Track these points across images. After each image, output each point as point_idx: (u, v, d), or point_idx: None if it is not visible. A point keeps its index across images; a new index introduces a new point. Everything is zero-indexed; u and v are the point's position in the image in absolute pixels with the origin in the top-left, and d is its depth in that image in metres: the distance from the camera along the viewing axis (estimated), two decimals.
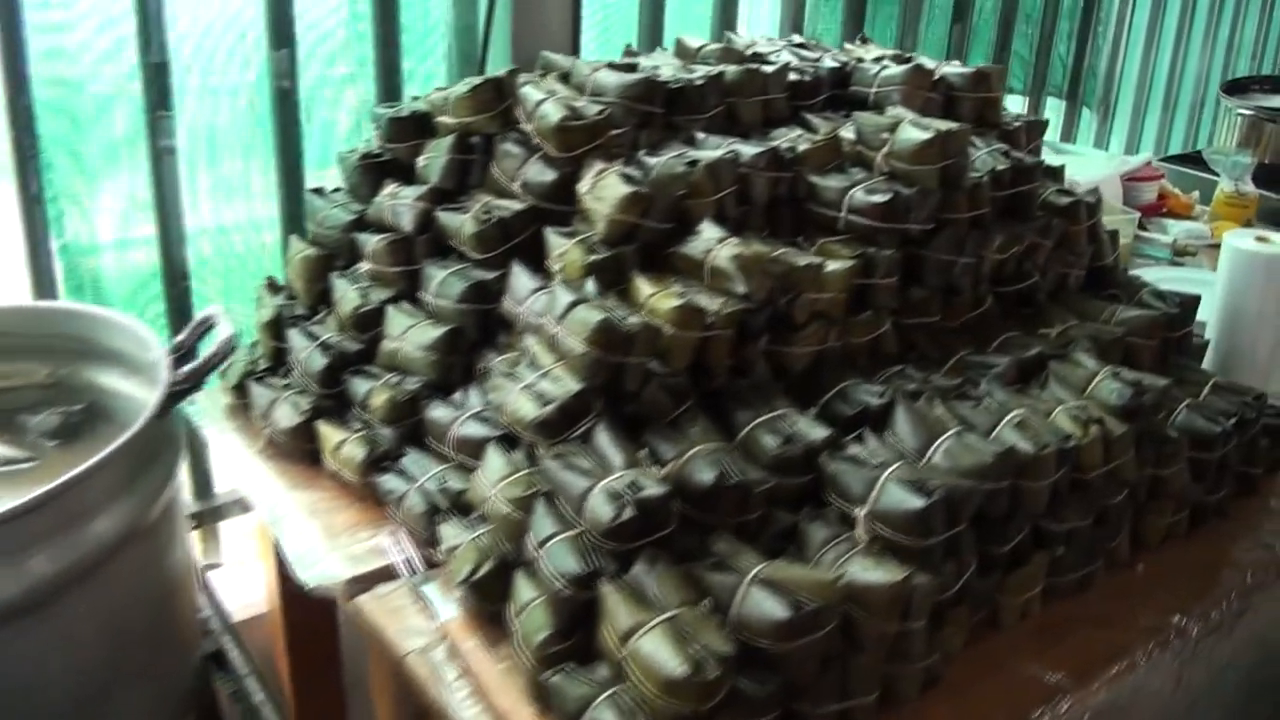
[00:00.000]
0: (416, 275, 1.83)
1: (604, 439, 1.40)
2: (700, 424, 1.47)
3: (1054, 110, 3.79)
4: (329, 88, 2.40)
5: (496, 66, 2.35)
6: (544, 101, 1.74)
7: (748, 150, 1.74)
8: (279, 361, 1.97)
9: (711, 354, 1.53)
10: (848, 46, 2.26)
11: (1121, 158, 3.15)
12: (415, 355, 1.74)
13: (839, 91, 2.05)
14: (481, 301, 1.73)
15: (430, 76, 2.55)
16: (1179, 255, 2.99)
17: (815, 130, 1.92)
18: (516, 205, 1.75)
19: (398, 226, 1.87)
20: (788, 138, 1.85)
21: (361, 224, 1.94)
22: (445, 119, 1.87)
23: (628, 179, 1.63)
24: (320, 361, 1.83)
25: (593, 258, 1.58)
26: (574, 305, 1.50)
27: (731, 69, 1.92)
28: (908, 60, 2.11)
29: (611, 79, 1.82)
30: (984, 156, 1.88)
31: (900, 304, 1.75)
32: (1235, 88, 3.66)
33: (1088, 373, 1.64)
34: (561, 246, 1.66)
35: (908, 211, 1.70)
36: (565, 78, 1.91)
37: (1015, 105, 3.64)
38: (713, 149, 1.77)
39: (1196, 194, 3.34)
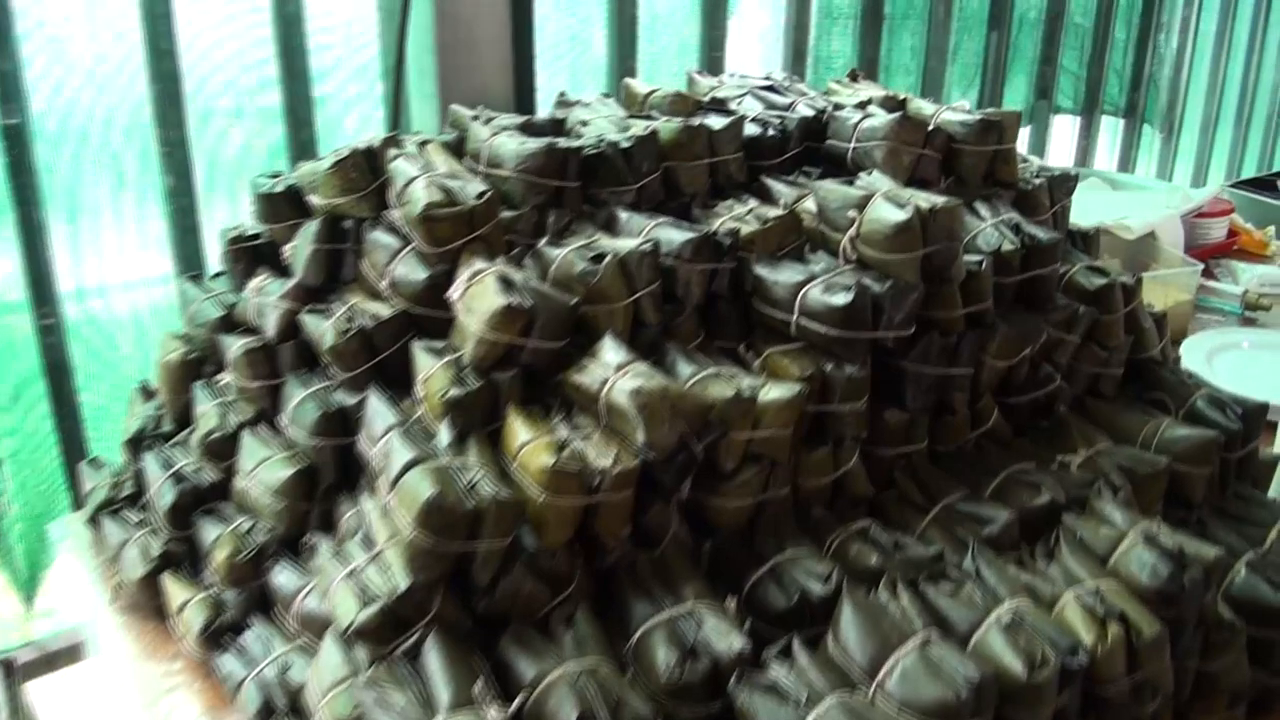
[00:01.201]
0: (280, 392, 1.48)
1: (434, 661, 1.04)
2: (580, 626, 1.10)
3: (1110, 129, 3.35)
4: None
5: (422, 117, 2.00)
6: (414, 180, 1.38)
7: (675, 236, 1.36)
8: (142, 489, 1.63)
9: (602, 523, 1.17)
10: (832, 86, 1.87)
11: (1185, 192, 2.71)
12: (264, 500, 1.39)
13: (814, 145, 1.66)
14: (342, 434, 1.38)
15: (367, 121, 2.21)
16: (1251, 309, 2.54)
17: (775, 200, 1.54)
18: (384, 311, 1.39)
19: (262, 329, 1.52)
20: (735, 214, 1.47)
21: (231, 322, 1.60)
22: (315, 198, 1.52)
23: (505, 285, 1.26)
24: (169, 496, 1.49)
25: (452, 393, 1.22)
26: (410, 466, 1.14)
27: (668, 125, 1.54)
28: (900, 104, 1.71)
29: (510, 146, 1.45)
30: (988, 232, 1.48)
31: (874, 431, 1.37)
32: None
33: (1113, 533, 1.24)
34: (429, 367, 1.30)
35: (877, 315, 1.31)
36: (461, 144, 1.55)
37: (1065, 127, 3.21)
38: (635, 232, 1.40)
39: (1273, 230, 2.88)
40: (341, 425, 1.37)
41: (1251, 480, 1.51)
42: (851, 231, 1.37)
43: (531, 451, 1.16)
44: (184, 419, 1.63)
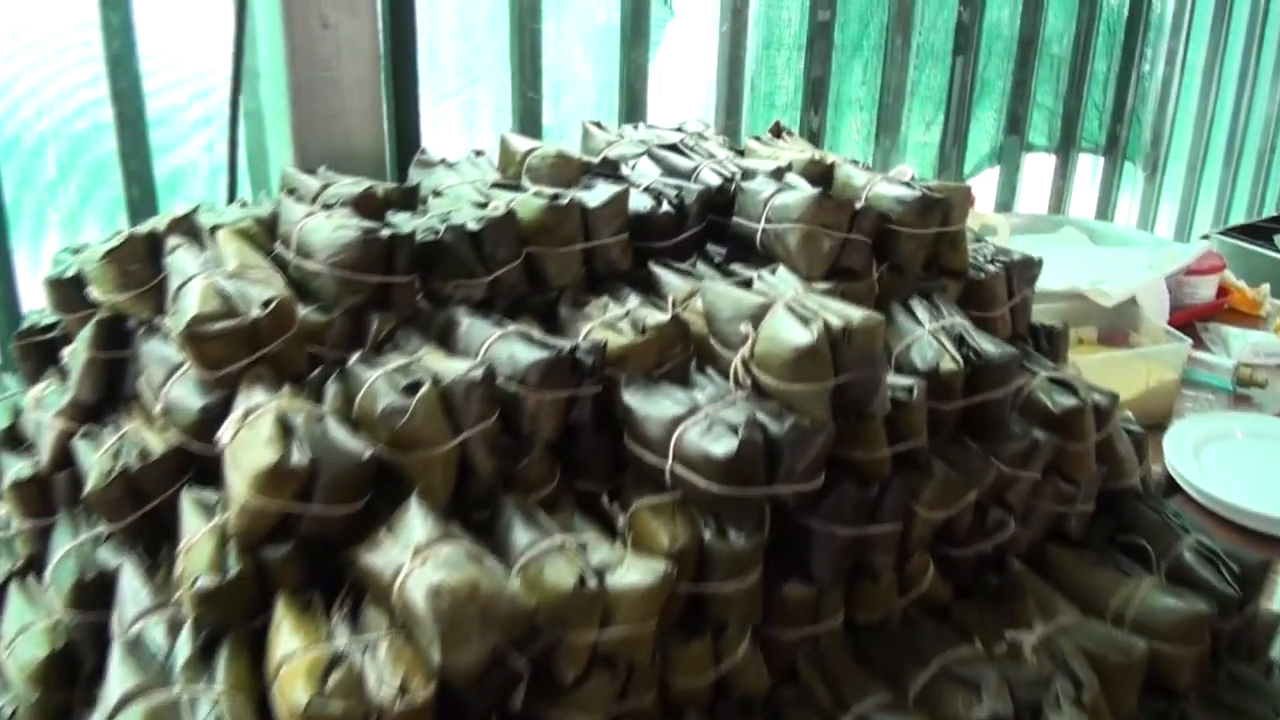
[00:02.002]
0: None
1: None
2: None
3: (1089, 168, 3.06)
4: None
5: (273, 178, 1.69)
6: (190, 282, 1.07)
7: (521, 355, 1.06)
8: None
9: None
10: (750, 144, 1.57)
11: (1171, 249, 2.42)
12: (18, 683, 1.08)
13: (720, 220, 1.36)
14: (105, 605, 1.07)
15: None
16: (1244, 386, 2.24)
17: (665, 294, 1.24)
18: (156, 445, 1.09)
19: (38, 452, 1.22)
20: (609, 317, 1.17)
21: (16, 436, 1.29)
22: (94, 291, 1.22)
23: (283, 430, 0.96)
24: None
25: (201, 583, 0.92)
26: (125, 703, 0.83)
27: (530, 203, 1.23)
28: (826, 170, 1.41)
29: (323, 232, 1.15)
30: (924, 343, 1.18)
31: (771, 607, 1.07)
32: None
33: None
34: (194, 532, 0.99)
35: (774, 463, 1.01)
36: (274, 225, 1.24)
37: (1040, 166, 2.92)
38: (474, 346, 1.10)
39: (1267, 288, 2.59)
40: (104, 594, 1.07)
41: (1249, 651, 1.22)
42: (745, 351, 1.07)
43: (291, 675, 0.86)
44: None
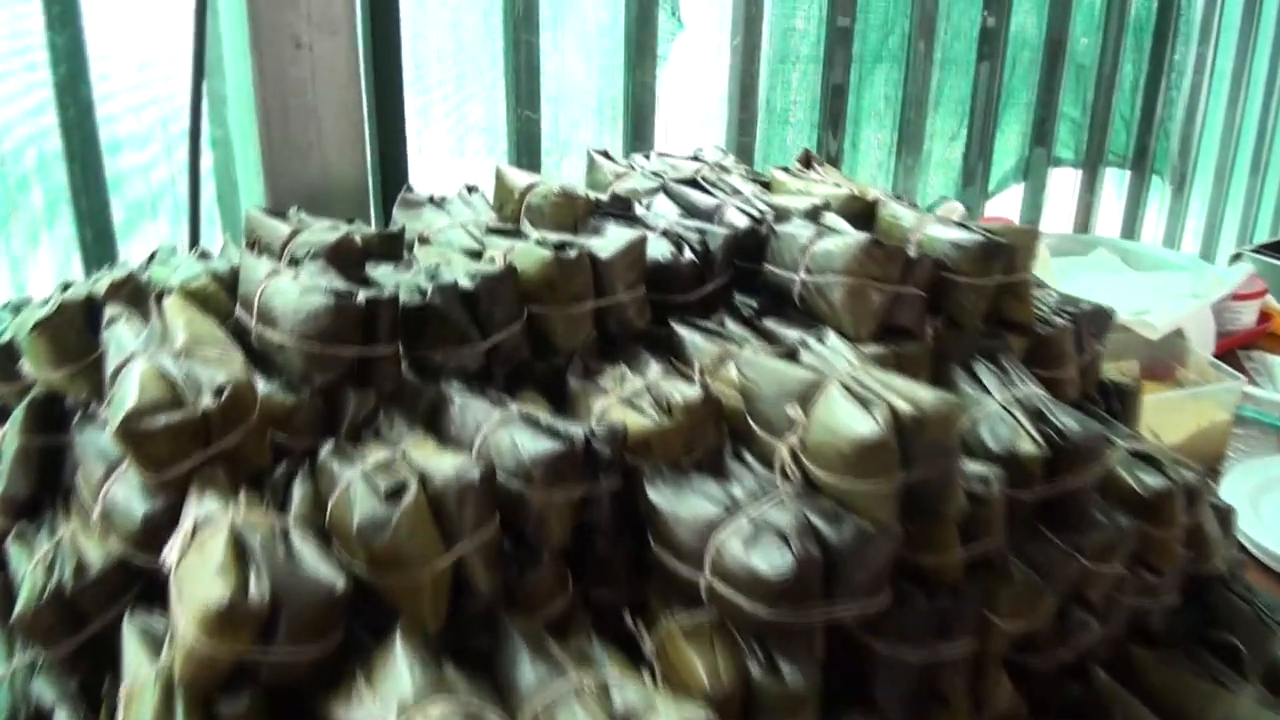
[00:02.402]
0: None
1: None
2: None
3: (1115, 183, 2.89)
4: None
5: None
6: (129, 364, 0.90)
7: (527, 445, 0.89)
8: None
9: None
10: (777, 176, 1.39)
11: (1213, 272, 2.25)
12: None
13: (750, 266, 1.19)
14: None
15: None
16: None
17: (689, 359, 1.07)
18: (95, 559, 0.91)
19: None
20: (627, 390, 0.99)
21: None
22: (26, 365, 1.04)
23: (239, 553, 0.78)
24: None
25: None
26: None
27: (533, 254, 1.06)
28: (867, 208, 1.24)
29: (290, 296, 0.97)
30: (996, 418, 1.01)
31: None
32: None
33: None
34: (138, 673, 0.82)
35: (830, 579, 0.84)
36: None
37: (1065, 181, 2.75)
38: (468, 434, 0.93)
39: None
40: None
41: None
42: (793, 439, 0.90)
43: None
44: None
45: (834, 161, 2.22)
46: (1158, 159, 2.92)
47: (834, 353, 0.96)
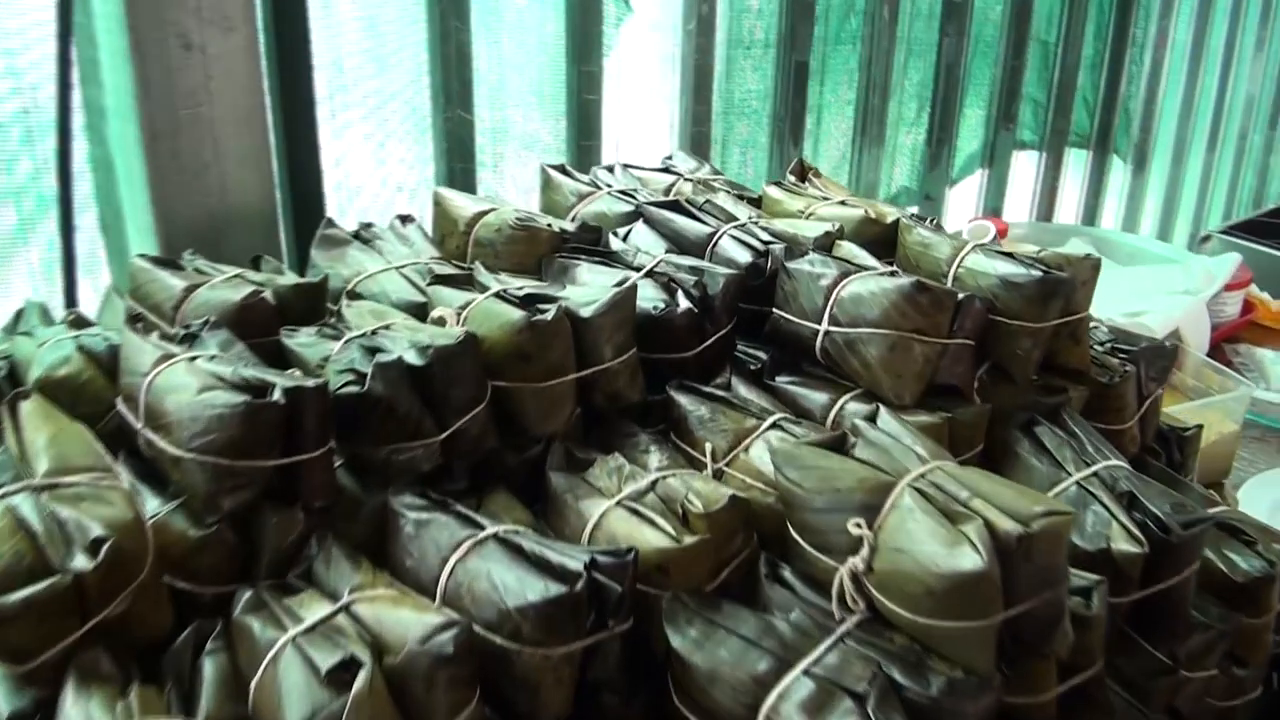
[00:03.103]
0: None
1: None
2: None
3: (1078, 165, 2.73)
4: None
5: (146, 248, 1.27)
6: None
7: (510, 584, 0.67)
8: None
9: None
10: (770, 193, 1.18)
11: (1201, 263, 2.10)
12: None
13: (752, 308, 0.98)
14: None
15: None
16: None
17: (696, 439, 0.85)
18: None
19: None
20: (624, 495, 0.78)
21: None
22: None
23: None
24: None
25: None
26: None
27: (497, 318, 0.84)
28: (886, 230, 1.04)
29: (184, 395, 0.74)
30: (1081, 506, 0.82)
31: None
32: None
33: None
34: None
35: None
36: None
37: (1029, 163, 2.59)
38: (431, 569, 0.71)
39: None
40: None
41: None
42: (857, 561, 0.69)
43: None
44: None
45: (794, 143, 2.01)
46: (1118, 138, 2.77)
47: (893, 439, 0.75)
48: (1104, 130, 2.71)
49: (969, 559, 0.64)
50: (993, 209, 2.51)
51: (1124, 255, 2.27)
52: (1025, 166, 2.64)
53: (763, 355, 0.97)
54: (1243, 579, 0.89)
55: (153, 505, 0.74)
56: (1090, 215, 2.80)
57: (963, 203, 2.49)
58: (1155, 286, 2.01)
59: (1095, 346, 1.03)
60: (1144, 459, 1.03)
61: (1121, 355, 1.03)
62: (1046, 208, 2.64)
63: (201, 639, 0.67)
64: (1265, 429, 1.90)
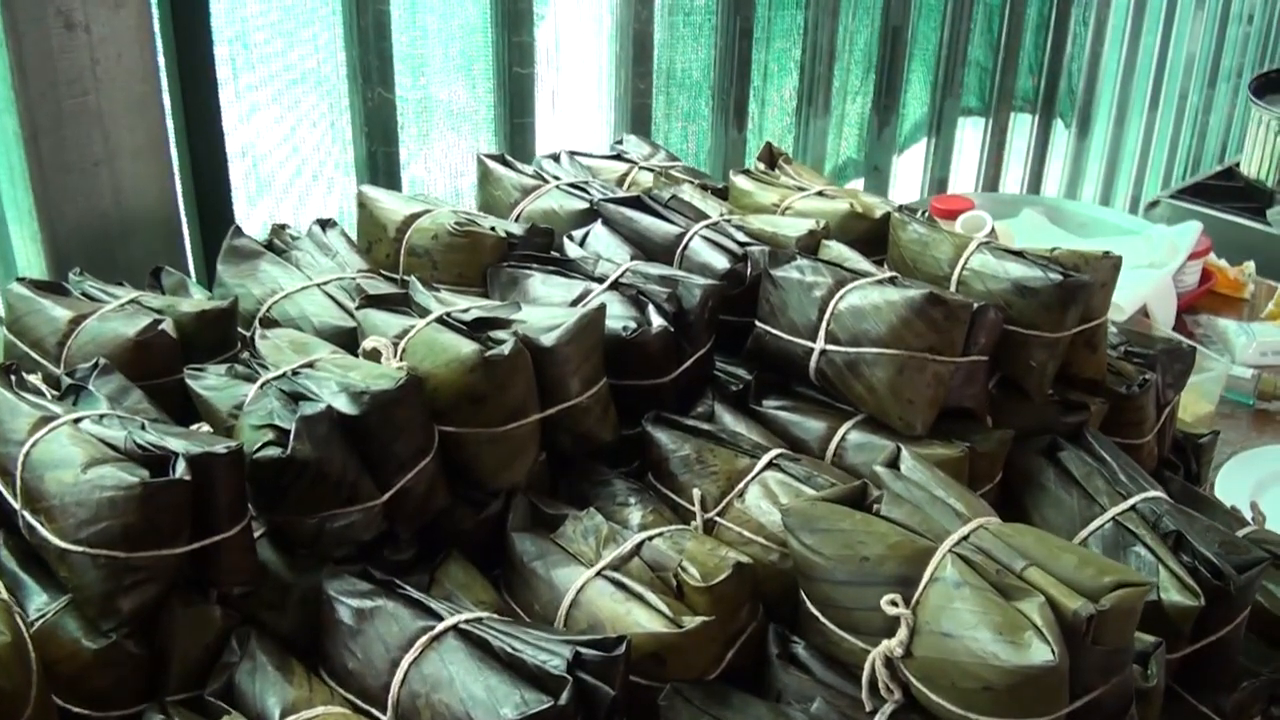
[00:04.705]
0: None
1: None
2: None
3: (1022, 131, 2.65)
4: None
5: (31, 266, 1.11)
6: None
7: (478, 696, 0.55)
8: None
9: None
10: (738, 182, 1.06)
11: (1163, 234, 2.03)
12: None
13: (731, 321, 0.86)
14: None
15: None
16: (1265, 399, 1.84)
17: (681, 490, 0.73)
18: None
19: None
20: (605, 563, 0.65)
21: None
22: None
23: None
24: None
25: None
26: None
27: (447, 347, 0.71)
28: (873, 225, 0.92)
29: (68, 473, 0.60)
30: (1123, 549, 0.71)
31: None
32: (1270, 85, 2.56)
33: None
34: None
35: None
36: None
37: (975, 130, 2.50)
38: (378, 663, 0.58)
39: (1252, 266, 2.22)
40: None
41: None
42: (894, 646, 0.58)
43: None
44: None
45: (739, 125, 1.89)
46: (1062, 102, 2.69)
47: (923, 490, 0.64)
48: (1049, 94, 2.62)
49: (1038, 651, 0.53)
50: (939, 178, 2.42)
51: (1076, 225, 2.19)
52: (971, 134, 2.55)
53: (743, 374, 0.85)
54: None
55: (39, 603, 0.61)
56: (1035, 181, 2.72)
57: (909, 173, 2.39)
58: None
59: (1108, 351, 0.92)
60: (1162, 473, 0.93)
61: (1136, 360, 0.93)
62: (993, 176, 2.56)
63: None
64: (1234, 405, 1.82)
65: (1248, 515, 0.94)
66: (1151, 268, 1.91)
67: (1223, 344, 2.03)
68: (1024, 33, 2.45)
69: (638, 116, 1.74)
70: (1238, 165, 2.50)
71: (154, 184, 1.15)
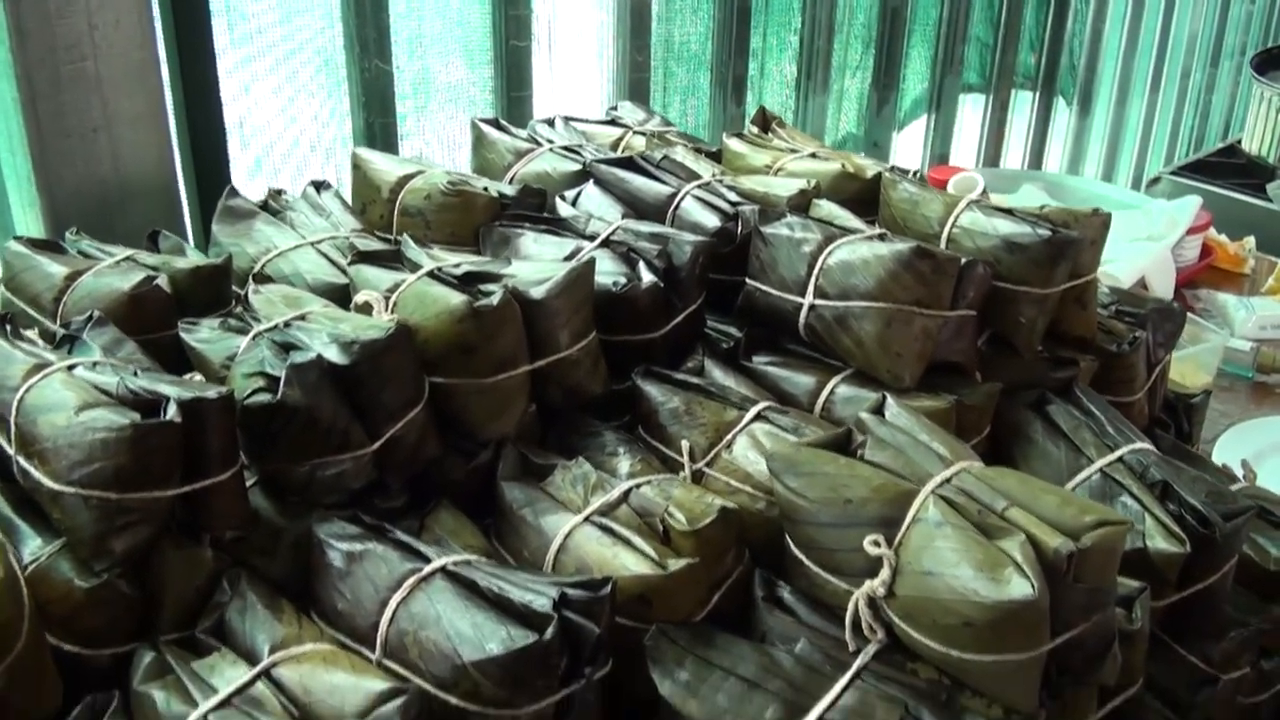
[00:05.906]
0: None
1: None
2: None
3: (1022, 108, 2.65)
4: None
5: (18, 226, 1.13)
6: None
7: (466, 632, 0.56)
8: None
9: None
10: (731, 144, 1.06)
11: (1163, 208, 2.02)
12: None
13: (722, 279, 0.86)
14: None
15: None
16: (1264, 371, 1.85)
17: (671, 441, 0.74)
18: None
19: None
20: (593, 509, 0.66)
21: None
22: None
23: None
24: None
25: None
26: None
27: (436, 298, 0.71)
28: (865, 185, 0.93)
29: (60, 416, 0.61)
30: (1108, 497, 0.72)
31: None
32: (1272, 62, 2.55)
33: None
34: None
35: None
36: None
37: (975, 107, 2.50)
38: (367, 604, 0.58)
39: (1252, 241, 2.22)
40: None
41: None
42: (877, 586, 0.59)
43: None
44: None
45: (738, 99, 1.90)
46: (1063, 79, 2.69)
47: (908, 436, 0.65)
48: (1050, 71, 2.62)
49: (1018, 586, 0.53)
50: (940, 155, 2.42)
51: (1078, 201, 2.18)
52: (971, 111, 2.54)
53: (734, 332, 0.86)
54: (1275, 566, 0.80)
55: (33, 547, 0.62)
56: (1036, 159, 2.72)
57: (909, 149, 2.39)
58: (1118, 233, 1.92)
59: (1099, 310, 0.93)
60: (1154, 431, 0.93)
61: (1128, 319, 0.93)
62: (993, 152, 2.56)
63: (96, 716, 0.55)
64: (1233, 378, 1.82)
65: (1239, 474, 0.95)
66: (1150, 240, 1.91)
67: (1222, 318, 2.03)
68: (1025, 8, 2.45)
69: (636, 90, 1.74)
70: (1239, 142, 2.49)
71: (152, 151, 1.16)
